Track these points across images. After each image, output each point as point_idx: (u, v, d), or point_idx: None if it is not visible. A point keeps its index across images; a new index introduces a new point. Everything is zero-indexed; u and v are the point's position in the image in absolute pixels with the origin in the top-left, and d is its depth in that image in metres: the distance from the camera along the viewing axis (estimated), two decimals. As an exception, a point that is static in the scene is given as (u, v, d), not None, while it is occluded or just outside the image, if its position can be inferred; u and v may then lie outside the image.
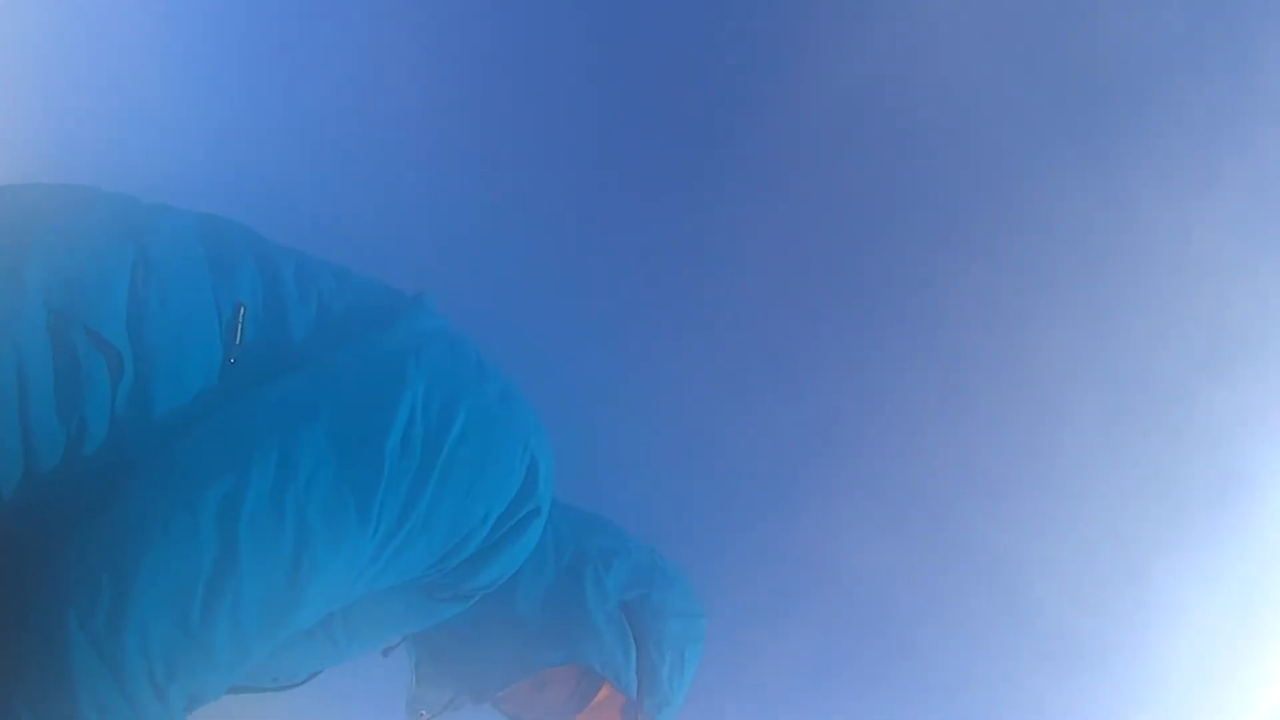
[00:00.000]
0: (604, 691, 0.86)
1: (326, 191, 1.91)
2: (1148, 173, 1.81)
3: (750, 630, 2.16)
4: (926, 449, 2.05)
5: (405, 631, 0.88)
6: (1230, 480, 2.03)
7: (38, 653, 0.53)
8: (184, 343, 0.65)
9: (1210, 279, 1.88)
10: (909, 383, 2.03)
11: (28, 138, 1.80)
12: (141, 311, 0.63)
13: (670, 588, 0.93)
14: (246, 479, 0.59)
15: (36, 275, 0.60)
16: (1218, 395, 1.95)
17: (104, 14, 1.83)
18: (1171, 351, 1.93)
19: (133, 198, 0.74)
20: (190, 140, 1.89)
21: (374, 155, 1.96)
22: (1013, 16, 1.76)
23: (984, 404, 2.02)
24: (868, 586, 2.11)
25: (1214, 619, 2.15)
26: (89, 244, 0.64)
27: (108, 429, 0.61)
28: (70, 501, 0.60)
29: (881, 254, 1.97)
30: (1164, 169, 1.80)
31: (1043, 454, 2.05)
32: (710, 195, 1.98)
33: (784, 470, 2.11)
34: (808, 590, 2.14)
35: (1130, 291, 1.91)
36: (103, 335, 0.61)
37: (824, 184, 1.93)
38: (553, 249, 2.04)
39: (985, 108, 1.82)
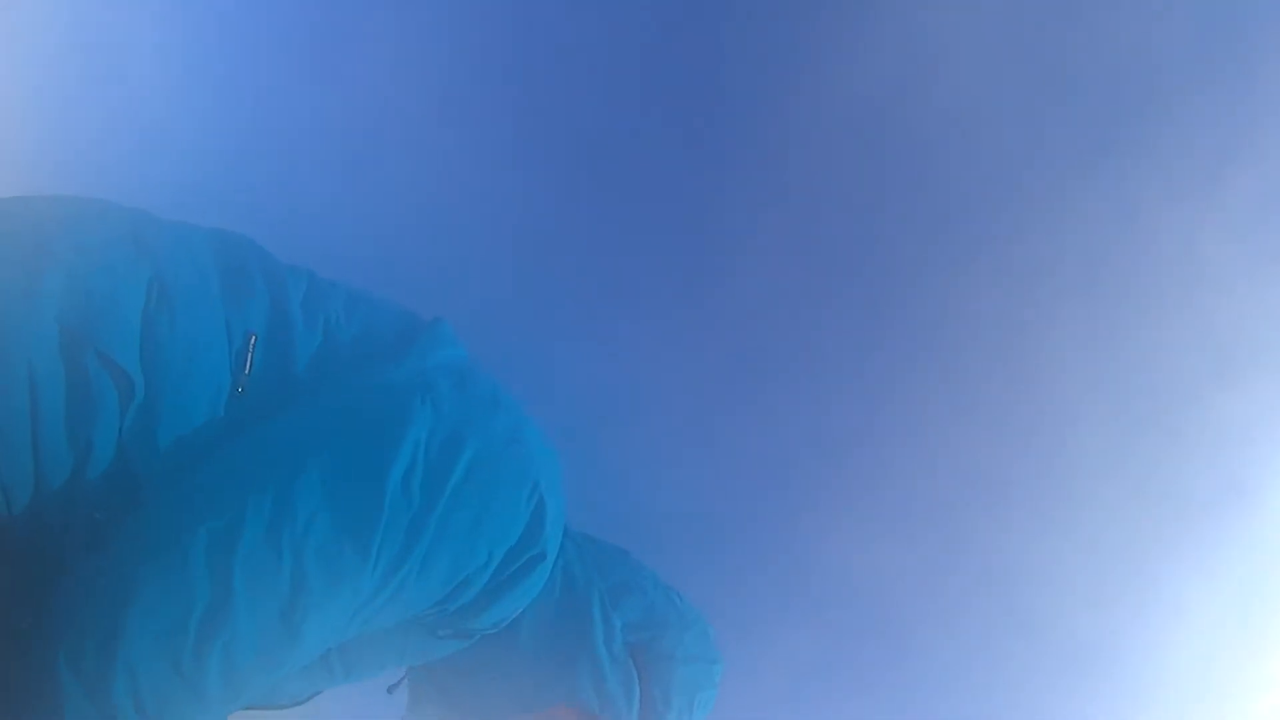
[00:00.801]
0: None
1: (330, 194, 1.92)
2: (1153, 178, 1.81)
3: (753, 633, 2.16)
4: (930, 452, 2.05)
5: (405, 664, 0.87)
6: (1234, 485, 2.03)
7: (33, 690, 0.54)
8: (194, 370, 0.65)
9: (1216, 284, 1.88)
10: (913, 386, 2.03)
11: (33, 144, 1.80)
12: (154, 335, 0.63)
13: (685, 631, 0.92)
14: (241, 519, 0.59)
15: (51, 294, 0.60)
16: (1223, 400, 1.95)
17: (109, 18, 1.83)
18: (1176, 356, 1.93)
19: (147, 213, 0.73)
20: (189, 140, 1.89)
21: (382, 156, 1.96)
22: (1017, 23, 1.76)
23: (988, 407, 2.02)
24: (870, 589, 2.11)
25: (1217, 622, 2.15)
26: (103, 262, 0.64)
27: (114, 452, 0.61)
28: (73, 525, 0.61)
29: (886, 259, 1.97)
30: (1170, 174, 1.80)
31: (1046, 457, 2.05)
32: (715, 198, 1.98)
33: (787, 473, 2.11)
34: (810, 593, 2.14)
35: (1135, 297, 1.91)
36: (114, 359, 0.61)
37: (830, 189, 1.93)
38: (555, 250, 2.04)
39: (991, 114, 1.81)
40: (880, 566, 2.11)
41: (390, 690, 0.90)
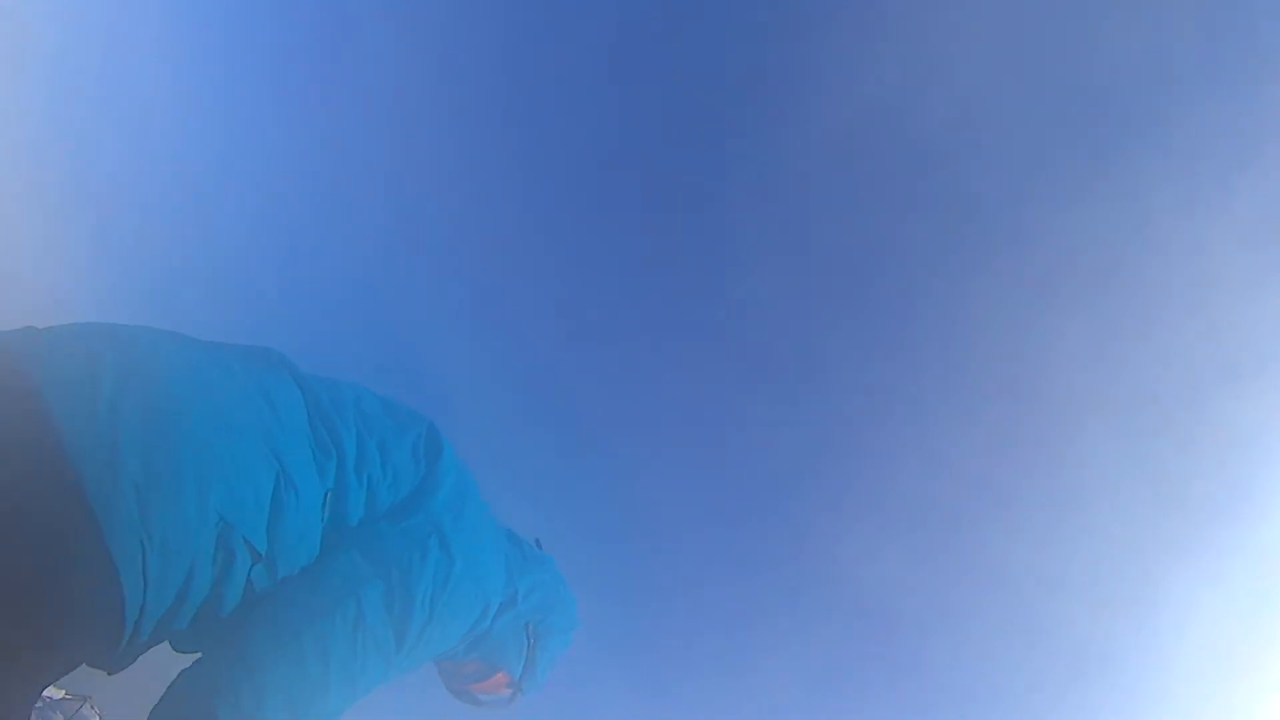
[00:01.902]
0: (500, 674, 1.31)
1: (330, 195, 1.93)
2: (1162, 186, 1.80)
3: (760, 639, 2.16)
4: (938, 458, 2.05)
5: None
6: (1242, 490, 2.02)
7: None
8: (304, 539, 1.01)
9: (1224, 292, 1.87)
10: (921, 392, 2.03)
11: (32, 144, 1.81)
12: (280, 517, 0.98)
13: (563, 611, 1.34)
14: (332, 624, 0.99)
15: (219, 494, 0.91)
16: (1231, 406, 1.94)
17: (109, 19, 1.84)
18: (1184, 362, 1.93)
19: (269, 401, 1.02)
20: (188, 140, 1.90)
21: (385, 157, 1.97)
22: (1027, 31, 1.75)
23: (995, 413, 2.02)
24: (878, 593, 2.11)
25: (1224, 626, 2.15)
26: (247, 464, 0.96)
27: (241, 594, 0.96)
28: (203, 633, 0.95)
29: (894, 264, 1.97)
30: (1179, 183, 1.79)
31: (1054, 462, 2.05)
32: (720, 202, 1.98)
33: (795, 479, 2.11)
34: (817, 600, 2.14)
35: (1143, 304, 1.91)
36: (253, 543, 0.94)
37: (837, 194, 1.93)
38: (558, 251, 2.04)
39: (1000, 122, 1.81)
40: (888, 572, 2.11)
41: None
